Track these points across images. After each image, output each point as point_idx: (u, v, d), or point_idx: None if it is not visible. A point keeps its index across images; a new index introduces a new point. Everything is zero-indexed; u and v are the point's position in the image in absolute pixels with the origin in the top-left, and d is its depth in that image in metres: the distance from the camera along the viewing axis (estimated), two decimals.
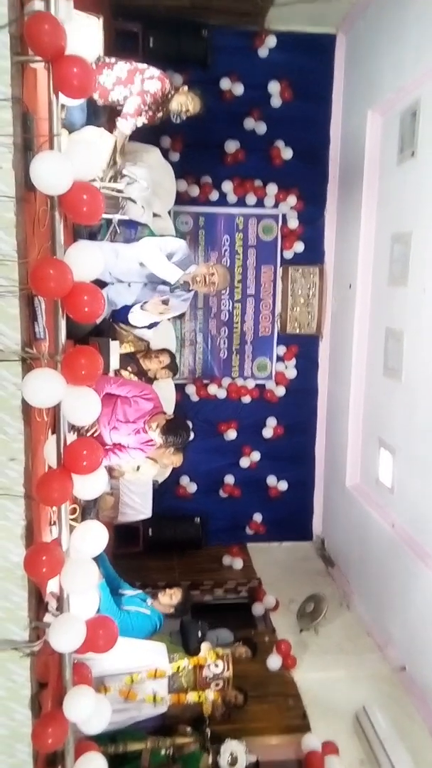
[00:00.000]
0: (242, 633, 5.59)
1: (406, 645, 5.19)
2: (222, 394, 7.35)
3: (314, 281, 7.34)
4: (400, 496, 5.55)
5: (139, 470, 4.14)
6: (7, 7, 2.39)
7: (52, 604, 2.92)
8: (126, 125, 3.88)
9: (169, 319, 5.07)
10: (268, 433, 7.48)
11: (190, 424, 4.15)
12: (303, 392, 7.57)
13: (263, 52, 6.81)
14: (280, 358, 7.49)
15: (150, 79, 3.82)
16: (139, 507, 5.52)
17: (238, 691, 4.43)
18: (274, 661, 5.27)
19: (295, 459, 7.61)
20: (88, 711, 2.66)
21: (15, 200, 2.50)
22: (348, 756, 4.45)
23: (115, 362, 4.22)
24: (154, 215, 4.99)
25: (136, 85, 3.80)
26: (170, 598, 4.21)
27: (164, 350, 5.10)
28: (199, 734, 3.84)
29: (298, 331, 7.45)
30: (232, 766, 3.87)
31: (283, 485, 7.56)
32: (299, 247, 7.27)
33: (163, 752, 3.64)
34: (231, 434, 7.40)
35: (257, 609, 6.33)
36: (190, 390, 7.30)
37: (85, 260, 2.47)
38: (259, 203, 7.13)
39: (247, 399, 7.41)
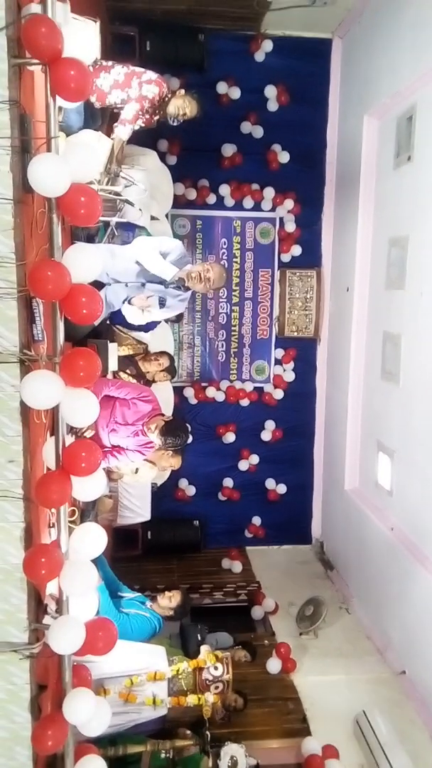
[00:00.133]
0: (241, 636, 5.59)
1: (405, 648, 5.18)
2: (220, 397, 7.36)
3: (312, 284, 7.35)
4: (399, 499, 5.55)
5: (137, 473, 4.13)
6: (4, 9, 2.40)
7: (52, 606, 2.91)
8: (124, 131, 3.89)
9: (167, 322, 5.08)
10: (266, 436, 7.49)
11: (188, 426, 4.14)
12: (301, 395, 7.58)
13: (260, 57, 6.85)
14: (278, 362, 7.51)
15: (148, 84, 3.83)
16: (137, 510, 5.51)
17: (238, 694, 4.42)
18: (273, 665, 5.25)
19: (294, 462, 7.62)
20: (88, 713, 2.65)
21: (13, 202, 2.50)
22: (348, 760, 4.43)
23: (113, 364, 4.22)
24: (152, 218, 5.01)
25: (134, 89, 3.81)
26: (169, 600, 4.20)
27: (163, 353, 5.11)
28: (199, 737, 3.83)
29: (296, 334, 7.46)
30: None
31: (281, 488, 7.56)
32: (296, 250, 7.29)
33: (162, 755, 3.63)
34: (230, 437, 7.41)
35: (256, 612, 6.31)
36: (189, 393, 7.30)
37: (83, 262, 2.47)
38: (257, 207, 7.16)
39: (245, 402, 7.42)
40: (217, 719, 4.18)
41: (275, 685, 5.14)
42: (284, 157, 7.04)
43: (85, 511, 3.84)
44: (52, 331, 2.54)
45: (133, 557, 6.66)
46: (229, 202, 7.10)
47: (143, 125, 3.98)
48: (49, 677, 2.91)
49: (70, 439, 2.72)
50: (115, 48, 5.96)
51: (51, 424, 2.66)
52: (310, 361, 7.59)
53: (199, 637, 4.58)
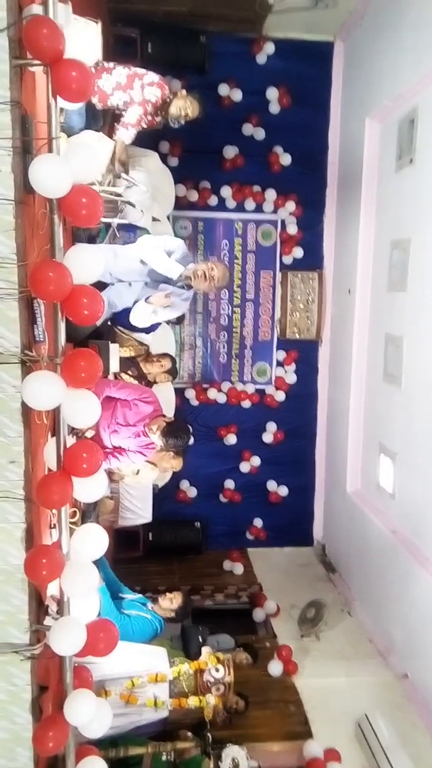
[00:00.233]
0: (243, 638, 5.57)
1: (408, 651, 5.17)
2: (222, 398, 7.36)
3: (313, 286, 7.36)
4: (401, 502, 5.54)
5: (138, 474, 4.13)
6: (5, 10, 2.41)
7: (53, 608, 2.91)
8: (126, 135, 3.89)
9: (168, 323, 5.08)
10: (268, 438, 7.48)
11: (190, 427, 4.14)
12: (303, 397, 7.57)
13: (261, 59, 6.86)
14: (279, 363, 7.50)
15: (150, 86, 3.83)
16: (139, 511, 5.51)
17: (240, 696, 4.40)
18: (275, 667, 5.24)
19: (296, 464, 7.61)
20: (89, 715, 2.65)
21: (14, 203, 2.50)
22: (350, 763, 4.42)
23: (114, 365, 4.22)
24: (154, 220, 5.01)
25: (136, 91, 3.81)
26: (171, 602, 4.20)
27: (165, 354, 5.11)
28: (200, 739, 3.81)
29: (297, 336, 7.46)
30: None
31: (283, 490, 7.55)
32: (298, 252, 7.29)
33: (164, 757, 3.62)
34: (231, 439, 7.40)
35: (258, 614, 6.30)
36: (190, 394, 7.30)
37: (85, 263, 2.48)
38: (258, 209, 7.16)
39: (246, 404, 7.42)
40: (219, 721, 4.16)
41: (277, 687, 5.13)
42: (286, 159, 7.04)
43: (86, 513, 3.83)
44: (53, 332, 2.55)
45: (134, 558, 6.66)
46: (231, 203, 7.10)
47: (146, 127, 3.99)
48: (50, 678, 2.91)
49: (71, 440, 2.72)
50: (117, 49, 5.97)
51: (52, 425, 2.66)
52: (312, 363, 7.59)
53: (201, 639, 4.57)
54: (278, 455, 7.52)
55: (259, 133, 6.98)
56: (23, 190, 2.53)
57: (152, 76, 3.88)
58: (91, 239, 4.25)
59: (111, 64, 3.87)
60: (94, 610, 2.83)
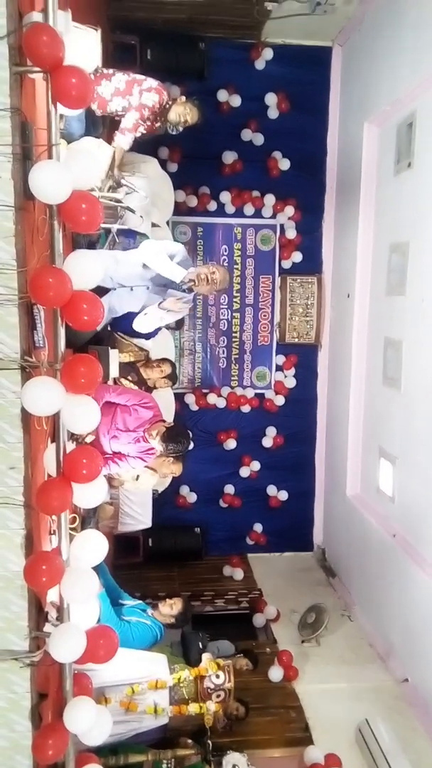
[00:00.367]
0: (243, 644, 5.55)
1: (408, 656, 5.16)
2: (221, 403, 7.36)
3: (312, 291, 7.37)
4: (401, 505, 5.53)
5: (138, 479, 4.12)
6: (5, 18, 2.41)
7: (52, 614, 2.90)
8: (124, 140, 3.90)
9: (167, 328, 5.08)
10: (267, 442, 7.48)
11: (189, 432, 4.13)
12: (302, 402, 7.57)
13: (260, 65, 6.89)
14: (279, 368, 7.51)
15: (148, 91, 3.84)
16: (138, 516, 5.50)
17: (240, 702, 4.38)
18: (275, 673, 5.22)
19: (295, 468, 7.60)
20: (89, 722, 2.64)
21: (14, 209, 2.51)
22: None
23: (114, 371, 4.22)
24: (153, 225, 5.01)
25: (135, 96, 3.82)
26: (171, 608, 4.18)
27: (165, 360, 5.10)
28: (200, 746, 3.80)
29: (297, 340, 7.46)
30: None
31: (283, 495, 7.54)
32: (297, 257, 7.31)
33: (164, 765, 3.61)
34: (231, 444, 7.40)
35: (258, 620, 6.29)
36: (190, 399, 7.30)
37: (84, 269, 2.48)
38: (257, 213, 7.18)
39: (246, 408, 7.41)
40: (219, 728, 4.15)
41: (277, 693, 5.11)
42: (285, 164, 7.06)
43: (86, 518, 3.82)
44: (53, 338, 2.54)
45: (134, 564, 6.64)
46: (230, 209, 7.12)
47: (145, 132, 3.99)
48: (50, 686, 2.90)
49: (71, 446, 2.72)
50: (117, 56, 5.99)
51: (52, 430, 2.65)
52: (311, 368, 7.59)
53: (201, 645, 4.55)
54: (278, 460, 7.52)
55: (258, 139, 7.00)
56: (23, 196, 2.53)
57: (151, 82, 3.89)
58: (91, 245, 4.25)
59: (110, 71, 3.88)
60: (93, 617, 2.82)
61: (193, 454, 6.46)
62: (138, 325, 4.06)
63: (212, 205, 7.07)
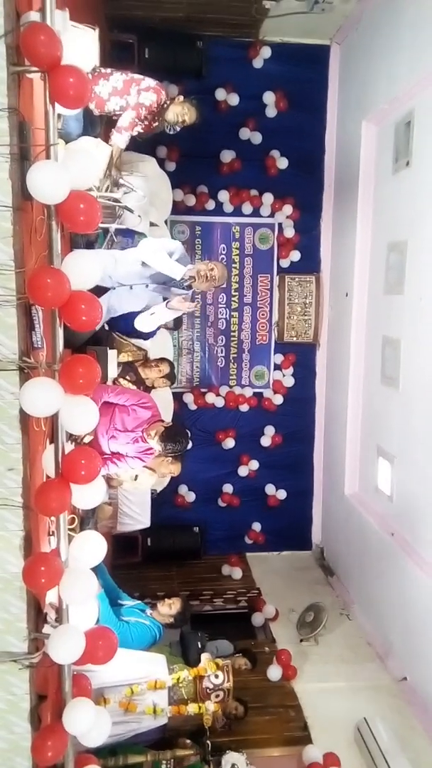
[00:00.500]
0: (242, 644, 5.56)
1: (406, 654, 5.16)
2: (220, 402, 7.35)
3: (311, 290, 7.36)
4: (399, 504, 5.54)
5: (137, 479, 4.12)
6: (3, 17, 2.40)
7: (51, 615, 2.90)
8: (121, 139, 3.89)
9: (167, 328, 5.08)
10: (266, 441, 7.48)
11: (188, 432, 4.13)
12: (301, 401, 7.57)
13: (258, 63, 6.87)
14: (277, 367, 7.50)
15: (146, 91, 3.83)
16: (137, 516, 5.50)
17: (239, 702, 4.39)
18: (274, 672, 5.22)
19: (294, 468, 7.60)
20: (88, 723, 2.64)
21: (12, 209, 2.50)
22: (349, 767, 4.41)
23: (113, 371, 4.22)
24: (151, 225, 5.01)
25: (132, 96, 3.81)
26: (169, 608, 4.18)
27: (163, 359, 5.10)
28: (199, 746, 3.80)
29: (295, 339, 7.46)
30: None
31: (281, 494, 7.54)
32: (295, 255, 7.30)
33: (163, 765, 3.61)
34: (229, 443, 7.39)
35: (257, 619, 6.28)
36: (188, 399, 7.29)
37: (82, 269, 2.47)
38: (255, 212, 7.17)
39: (245, 407, 7.41)
40: (218, 728, 4.15)
41: (276, 692, 5.11)
42: (283, 162, 7.06)
43: (85, 519, 3.82)
44: (51, 338, 2.54)
45: (133, 564, 6.63)
46: (228, 208, 7.11)
47: (142, 131, 3.98)
48: (49, 687, 2.89)
49: (69, 447, 2.71)
50: (114, 55, 5.98)
51: (50, 431, 2.65)
52: (310, 367, 7.59)
53: (200, 645, 4.55)
54: (276, 459, 7.52)
55: (256, 137, 6.99)
56: (21, 196, 2.53)
57: (149, 82, 3.88)
58: (89, 245, 4.24)
59: (108, 70, 3.87)
60: (92, 618, 2.81)
61: (192, 454, 6.46)
62: (141, 324, 4.05)
63: (210, 204, 7.06)
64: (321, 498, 7.68)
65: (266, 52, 6.81)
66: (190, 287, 3.98)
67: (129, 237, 4.57)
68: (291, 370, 7.51)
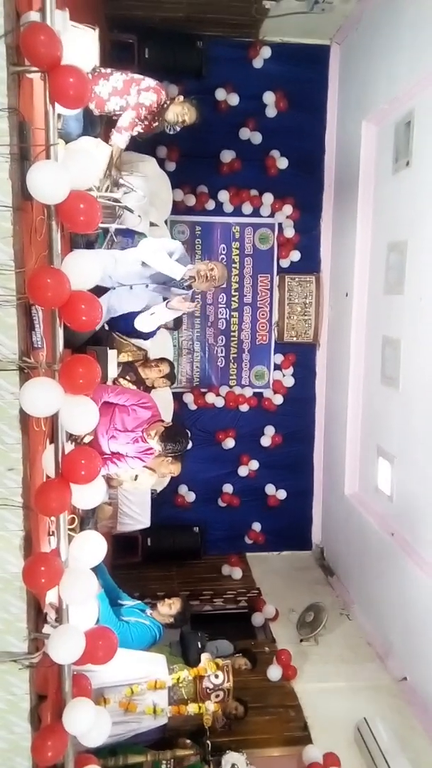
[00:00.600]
0: (242, 644, 5.56)
1: (406, 654, 5.16)
2: (220, 402, 7.35)
3: (311, 290, 7.37)
4: (399, 504, 5.54)
5: (137, 479, 4.12)
6: (3, 17, 2.40)
7: (51, 615, 2.90)
8: (120, 139, 3.89)
9: (166, 328, 5.07)
10: (266, 441, 7.47)
11: (188, 432, 4.13)
12: (301, 401, 7.57)
13: (258, 63, 6.87)
14: (277, 367, 7.50)
15: (146, 91, 3.83)
16: (137, 516, 5.50)
17: (239, 702, 4.39)
18: (274, 672, 5.22)
19: (294, 468, 7.60)
20: (88, 723, 2.64)
21: (12, 209, 2.50)
22: (349, 767, 4.41)
23: (113, 371, 4.22)
24: (151, 225, 5.01)
25: (132, 96, 3.81)
26: (169, 608, 4.18)
27: (163, 359, 5.10)
28: (199, 746, 3.80)
29: (295, 339, 7.46)
30: None
31: (281, 494, 7.54)
32: (295, 255, 7.30)
33: (163, 765, 3.61)
34: (229, 443, 7.39)
35: (257, 619, 6.28)
36: (188, 399, 7.29)
37: (82, 269, 2.47)
38: (255, 212, 7.17)
39: (245, 407, 7.41)
40: (218, 728, 4.15)
41: (276, 692, 5.11)
42: (283, 162, 7.06)
43: (85, 519, 3.82)
44: (51, 339, 2.54)
45: (133, 564, 6.63)
46: (228, 208, 7.11)
47: (142, 131, 3.98)
48: (49, 687, 2.89)
49: (69, 447, 2.71)
50: (114, 55, 5.98)
51: (50, 431, 2.64)
52: (310, 367, 7.59)
53: (200, 645, 4.55)
54: (276, 459, 7.52)
55: (256, 137, 6.99)
56: (21, 196, 2.53)
57: (149, 82, 3.88)
58: (89, 245, 4.24)
59: (108, 70, 3.87)
60: (92, 618, 2.81)
61: (192, 454, 6.46)
62: (141, 324, 4.05)
63: (210, 204, 7.06)
64: (321, 498, 7.68)
65: (266, 52, 6.81)
66: (190, 287, 3.98)
67: (129, 237, 4.57)
68: (291, 370, 7.51)
